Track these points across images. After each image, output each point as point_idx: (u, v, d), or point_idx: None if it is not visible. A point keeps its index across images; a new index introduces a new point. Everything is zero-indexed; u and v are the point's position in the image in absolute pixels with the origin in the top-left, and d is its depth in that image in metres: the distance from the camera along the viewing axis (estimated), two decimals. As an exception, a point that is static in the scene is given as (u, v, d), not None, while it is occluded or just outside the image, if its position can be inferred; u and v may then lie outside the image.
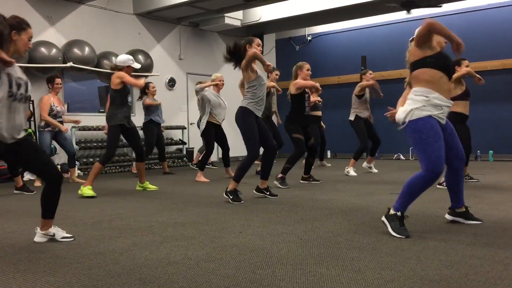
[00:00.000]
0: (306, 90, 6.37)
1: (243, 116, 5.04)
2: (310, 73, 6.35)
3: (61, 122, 7.26)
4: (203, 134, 7.57)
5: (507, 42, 10.37)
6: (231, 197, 5.02)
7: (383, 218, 3.43)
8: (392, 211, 3.39)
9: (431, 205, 4.43)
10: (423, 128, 3.28)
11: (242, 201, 4.99)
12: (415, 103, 3.33)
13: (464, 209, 3.68)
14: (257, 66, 5.22)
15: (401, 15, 11.41)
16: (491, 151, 10.17)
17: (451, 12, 10.87)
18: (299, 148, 6.21)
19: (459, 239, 3.15)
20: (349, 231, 3.47)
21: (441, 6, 10.10)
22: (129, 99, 6.07)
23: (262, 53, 5.10)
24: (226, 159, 7.80)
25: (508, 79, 10.38)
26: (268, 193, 5.34)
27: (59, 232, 3.40)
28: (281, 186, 6.16)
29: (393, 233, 3.28)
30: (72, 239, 3.40)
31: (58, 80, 7.23)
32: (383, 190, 5.68)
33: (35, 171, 3.58)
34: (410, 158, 11.15)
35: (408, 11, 10.05)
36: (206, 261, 2.74)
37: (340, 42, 12.91)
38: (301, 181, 6.80)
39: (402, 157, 11.35)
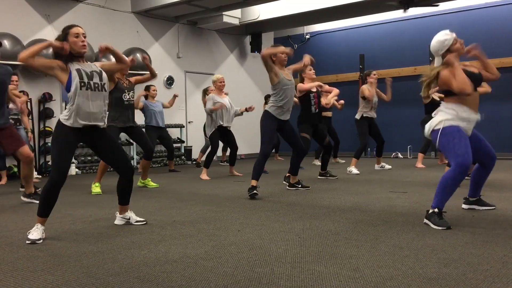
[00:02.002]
0: (311, 90, 6.51)
1: (263, 118, 5.41)
2: (314, 71, 6.63)
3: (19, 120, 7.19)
4: (209, 136, 7.78)
5: (505, 41, 10.38)
6: (248, 192, 5.22)
7: (425, 221, 3.61)
8: (430, 210, 3.60)
9: (429, 203, 4.43)
10: (449, 132, 3.59)
11: (255, 197, 5.14)
12: (445, 115, 3.65)
13: (478, 198, 4.17)
14: (285, 70, 5.43)
15: (399, 13, 11.40)
16: (489, 150, 10.18)
17: (449, 11, 10.88)
18: (305, 146, 6.41)
19: (457, 237, 3.15)
20: (347, 229, 3.48)
21: (438, 5, 10.10)
22: (125, 97, 5.94)
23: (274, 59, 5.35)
24: (232, 159, 7.96)
25: (506, 78, 10.36)
26: (299, 185, 5.83)
27: (133, 216, 3.86)
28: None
29: (435, 227, 3.47)
30: (144, 222, 3.83)
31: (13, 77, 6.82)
32: (382, 189, 5.69)
33: (110, 161, 3.74)
34: (408, 157, 11.16)
35: (405, 10, 10.03)
36: (205, 259, 2.74)
37: (338, 40, 12.91)
38: (319, 177, 7.00)
39: (400, 155, 11.36)
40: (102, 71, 3.60)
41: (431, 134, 3.74)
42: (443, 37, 3.68)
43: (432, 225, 3.50)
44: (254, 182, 5.25)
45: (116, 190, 3.82)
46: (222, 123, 7.54)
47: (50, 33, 8.98)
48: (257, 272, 2.47)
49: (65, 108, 3.53)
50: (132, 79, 6.18)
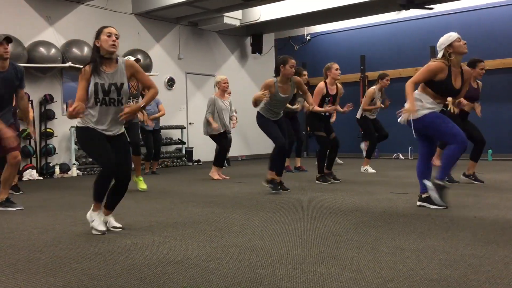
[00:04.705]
0: (330, 93, 6.46)
1: (258, 118, 5.66)
2: (340, 72, 6.55)
3: None
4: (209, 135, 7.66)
5: (506, 41, 10.38)
6: (270, 186, 5.55)
7: (429, 185, 4.30)
8: (439, 182, 4.23)
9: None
10: (431, 120, 4.20)
11: (280, 191, 5.54)
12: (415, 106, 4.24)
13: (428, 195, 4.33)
14: (285, 84, 5.49)
15: (400, 14, 11.41)
16: (490, 151, 10.17)
17: (450, 12, 10.88)
18: (323, 144, 6.53)
19: (459, 238, 3.15)
20: (348, 231, 3.47)
21: (432, 8, 10.06)
22: (128, 104, 5.94)
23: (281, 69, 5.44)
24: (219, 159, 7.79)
25: (507, 78, 10.38)
26: (279, 187, 5.67)
27: (112, 221, 3.73)
28: (324, 183, 6.47)
29: (436, 197, 4.21)
30: (120, 229, 3.67)
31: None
32: (383, 190, 5.68)
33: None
34: (409, 158, 11.15)
35: (406, 9, 10.02)
36: (206, 261, 2.74)
37: (339, 41, 12.92)
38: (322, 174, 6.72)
39: (401, 156, 11.35)
40: (124, 83, 3.54)
41: (412, 124, 4.25)
42: (449, 33, 4.24)
43: (434, 195, 4.22)
44: (271, 174, 5.52)
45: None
46: (221, 130, 7.50)
47: (51, 34, 9.00)
48: (259, 274, 2.47)
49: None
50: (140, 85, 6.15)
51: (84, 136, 3.54)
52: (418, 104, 4.23)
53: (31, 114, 7.89)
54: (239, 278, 2.40)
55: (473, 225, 3.55)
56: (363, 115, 7.85)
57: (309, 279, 2.37)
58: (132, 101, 5.89)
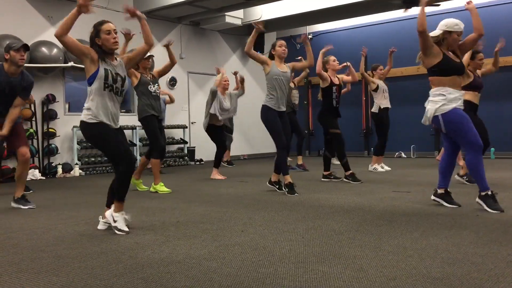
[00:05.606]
0: (334, 82, 6.50)
1: (264, 113, 5.49)
2: (338, 62, 6.66)
3: None
4: (208, 134, 7.66)
5: (508, 40, 10.33)
6: (287, 190, 5.42)
7: (478, 200, 4.12)
8: (482, 192, 4.06)
9: (433, 203, 4.43)
10: (454, 118, 4.00)
11: (296, 194, 5.33)
12: (436, 103, 4.05)
13: (444, 192, 4.28)
14: (282, 64, 5.54)
15: (401, 13, 11.37)
16: (492, 149, 10.14)
17: (452, 10, 10.85)
18: (340, 142, 6.53)
19: (461, 236, 3.15)
20: (351, 230, 3.47)
21: (439, 5, 10.05)
22: (151, 88, 5.97)
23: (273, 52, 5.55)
24: (216, 159, 7.78)
25: (509, 77, 10.36)
26: (277, 186, 5.67)
27: (120, 224, 3.55)
28: (354, 182, 6.36)
29: (491, 210, 3.96)
30: (124, 233, 3.51)
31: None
32: (385, 189, 5.68)
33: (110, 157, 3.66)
34: (412, 156, 11.13)
35: (406, 9, 10.00)
36: (209, 260, 2.74)
37: (341, 40, 12.89)
38: (323, 179, 6.75)
39: (403, 155, 11.34)
40: (126, 76, 3.70)
41: (433, 121, 4.11)
42: (457, 22, 4.07)
43: (487, 208, 3.99)
44: (288, 178, 5.44)
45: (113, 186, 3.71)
46: (219, 116, 7.48)
47: (53, 34, 8.99)
48: (261, 273, 2.47)
49: (85, 105, 3.57)
50: (154, 72, 6.26)
51: (99, 132, 3.51)
52: (441, 98, 4.02)
53: (29, 112, 7.93)
54: (241, 277, 2.40)
55: (476, 224, 3.55)
56: (381, 107, 7.79)
57: (311, 277, 2.37)
58: (154, 86, 6.06)
